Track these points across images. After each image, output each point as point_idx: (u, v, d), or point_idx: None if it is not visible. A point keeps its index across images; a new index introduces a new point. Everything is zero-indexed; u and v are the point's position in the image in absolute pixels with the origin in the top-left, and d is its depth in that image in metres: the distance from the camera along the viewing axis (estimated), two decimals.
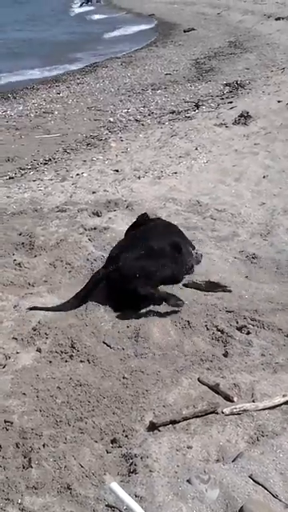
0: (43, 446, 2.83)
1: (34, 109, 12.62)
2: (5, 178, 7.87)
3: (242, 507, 2.46)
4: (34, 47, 24.94)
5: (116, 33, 30.76)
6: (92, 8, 54.57)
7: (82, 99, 13.34)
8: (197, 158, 7.47)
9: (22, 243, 5.09)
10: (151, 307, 3.98)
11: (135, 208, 5.76)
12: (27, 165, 8.47)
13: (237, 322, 3.84)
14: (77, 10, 56.89)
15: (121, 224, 5.30)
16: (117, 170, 7.26)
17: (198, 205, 5.89)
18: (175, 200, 6.03)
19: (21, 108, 12.81)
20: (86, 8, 57.94)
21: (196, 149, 7.86)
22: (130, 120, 10.85)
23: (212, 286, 4.29)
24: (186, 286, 4.30)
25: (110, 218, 5.53)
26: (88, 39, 29.59)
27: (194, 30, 26.76)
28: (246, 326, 3.78)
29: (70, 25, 39.68)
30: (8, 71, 18.11)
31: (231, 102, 10.69)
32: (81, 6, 63.23)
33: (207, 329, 3.78)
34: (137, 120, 10.75)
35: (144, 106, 11.98)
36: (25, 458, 2.79)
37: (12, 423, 2.98)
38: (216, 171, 6.98)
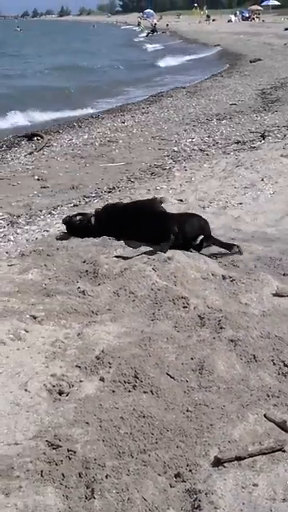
0: (106, 476, 2.80)
1: (99, 137, 12.82)
2: (69, 205, 7.97)
3: None
4: (102, 78, 25.45)
5: (181, 63, 31.11)
6: (157, 38, 55.38)
7: (146, 128, 13.48)
8: (263, 189, 7.42)
9: (86, 271, 5.11)
10: None
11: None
12: (91, 193, 8.57)
13: None
14: (142, 40, 57.86)
15: (183, 253, 5.30)
16: (181, 200, 7.26)
17: (265, 236, 5.83)
18: (240, 231, 5.99)
19: (86, 137, 13.03)
20: (151, 39, 58.82)
21: (262, 179, 7.81)
22: (194, 149, 10.88)
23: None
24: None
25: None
26: (152, 69, 30.03)
27: (260, 60, 26.88)
28: None
29: (135, 54, 40.41)
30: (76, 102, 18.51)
31: None
32: (147, 35, 64.27)
33: (274, 363, 3.70)
34: (201, 150, 10.77)
35: (209, 136, 12.02)
36: (87, 488, 2.77)
37: (75, 452, 2.97)
38: (283, 202, 6.91)
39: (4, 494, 2.75)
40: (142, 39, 57.27)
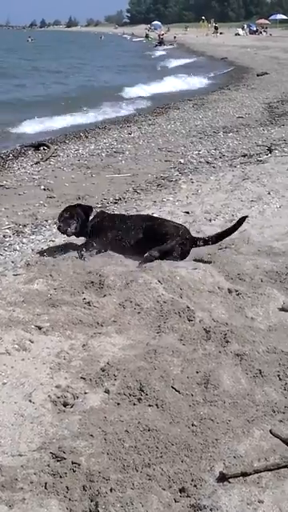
0: (110, 490, 2.79)
1: (106, 148, 12.82)
2: None
3: None
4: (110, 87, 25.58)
5: (187, 75, 31.21)
6: (163, 52, 55.72)
7: (153, 140, 13.50)
8: (269, 203, 7.42)
9: (92, 282, 5.10)
10: None
11: None
12: (97, 203, 8.55)
13: None
14: (148, 51, 58.13)
15: (189, 266, 5.30)
16: (187, 212, 7.26)
17: (271, 251, 5.82)
18: (246, 245, 5.98)
19: (92, 147, 13.04)
20: (159, 51, 59.16)
21: (269, 193, 7.81)
22: (200, 162, 10.89)
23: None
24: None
25: None
26: (158, 80, 30.09)
27: (266, 73, 26.98)
28: None
29: (142, 65, 40.63)
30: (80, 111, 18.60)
31: None
32: (155, 47, 64.64)
33: (280, 379, 3.69)
34: (208, 162, 10.78)
35: (215, 149, 12.03)
36: (91, 501, 2.76)
37: (79, 465, 2.95)
38: None
39: (8, 506, 2.74)
40: (156, 53, 57.63)
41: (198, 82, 27.58)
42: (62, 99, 21.58)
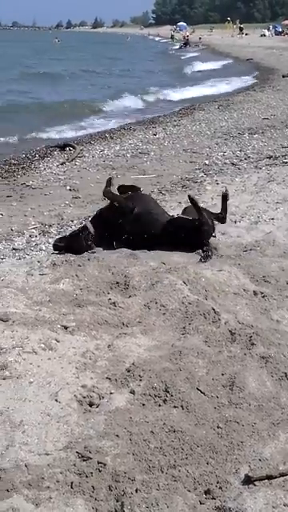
0: (136, 490, 2.80)
1: (131, 149, 12.84)
2: None
3: None
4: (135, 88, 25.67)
5: (213, 76, 31.18)
6: (190, 52, 55.75)
7: (178, 141, 13.49)
8: None
9: (117, 282, 5.12)
10: None
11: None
12: None
13: None
14: (175, 51, 58.24)
15: (215, 268, 5.30)
16: None
17: None
18: (272, 246, 5.96)
19: (118, 148, 13.07)
20: (183, 51, 59.19)
21: None
22: (225, 163, 10.86)
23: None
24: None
25: None
26: (183, 81, 30.12)
27: None
28: None
29: (170, 67, 40.68)
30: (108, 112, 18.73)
31: None
32: (179, 48, 64.63)
33: None
34: (233, 164, 10.75)
35: (240, 150, 11.99)
36: (117, 501, 2.77)
37: (105, 465, 2.97)
38: None
39: (34, 504, 2.76)
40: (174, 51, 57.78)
41: (224, 88, 27.38)
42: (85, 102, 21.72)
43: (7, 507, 2.73)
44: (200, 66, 40.93)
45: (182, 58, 53.21)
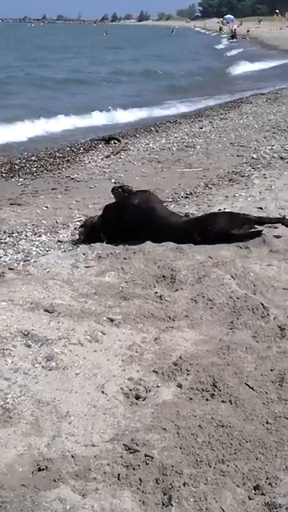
0: (183, 484, 2.77)
1: (176, 142, 12.77)
2: None
3: None
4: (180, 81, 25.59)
5: (261, 69, 30.89)
6: (237, 44, 55.23)
7: (224, 134, 13.37)
8: None
9: (163, 276, 5.10)
10: None
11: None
12: (168, 197, 8.52)
13: None
14: (222, 46, 57.81)
15: (263, 262, 5.23)
16: (260, 208, 7.17)
17: None
18: None
19: (163, 141, 13.01)
20: (232, 44, 58.74)
21: None
22: (274, 157, 10.72)
23: None
24: None
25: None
26: (231, 74, 29.90)
27: None
28: None
29: (216, 59, 40.34)
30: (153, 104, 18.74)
31: None
32: (228, 40, 64.34)
33: None
34: (281, 157, 10.60)
35: None
36: (165, 494, 2.74)
37: (152, 458, 2.95)
38: None
39: (81, 495, 2.75)
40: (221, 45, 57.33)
41: None
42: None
43: (54, 497, 2.73)
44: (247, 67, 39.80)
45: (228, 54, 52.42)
